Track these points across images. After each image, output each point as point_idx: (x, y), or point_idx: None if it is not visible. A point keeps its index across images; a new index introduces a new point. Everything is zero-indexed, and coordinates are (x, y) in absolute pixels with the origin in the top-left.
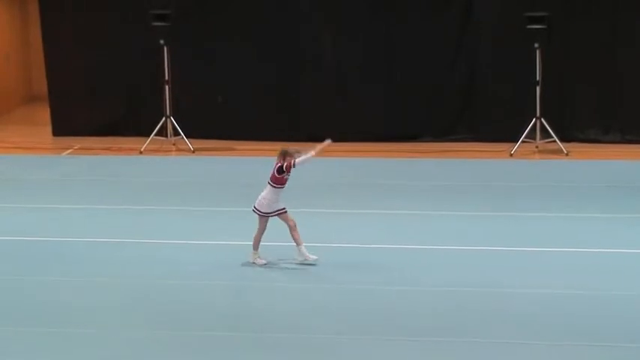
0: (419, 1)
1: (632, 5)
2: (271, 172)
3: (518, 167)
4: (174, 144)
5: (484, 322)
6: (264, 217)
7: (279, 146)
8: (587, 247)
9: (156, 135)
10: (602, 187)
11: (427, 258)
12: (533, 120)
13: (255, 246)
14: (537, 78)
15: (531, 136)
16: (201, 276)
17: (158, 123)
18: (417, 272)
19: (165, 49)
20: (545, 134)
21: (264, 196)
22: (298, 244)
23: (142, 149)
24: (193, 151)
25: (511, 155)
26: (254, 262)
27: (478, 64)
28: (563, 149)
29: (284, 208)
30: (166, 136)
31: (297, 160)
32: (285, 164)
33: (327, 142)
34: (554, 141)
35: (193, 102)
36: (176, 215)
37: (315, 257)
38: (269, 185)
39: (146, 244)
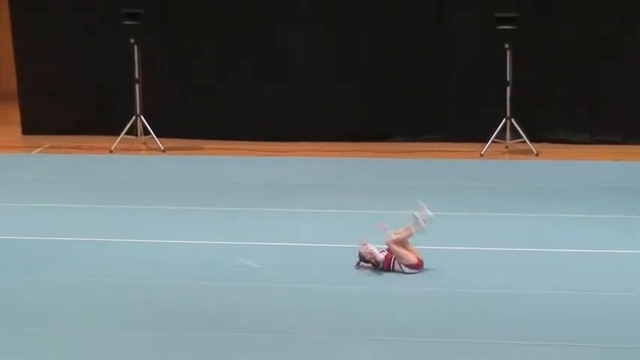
0: (391, 2)
1: (602, 6)
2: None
3: (489, 167)
4: (144, 143)
5: (464, 323)
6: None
7: (250, 146)
8: (559, 247)
9: (126, 134)
10: (572, 187)
11: None
12: (504, 120)
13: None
14: (507, 78)
15: (501, 136)
16: (184, 276)
17: (128, 122)
18: (401, 274)
19: (135, 47)
20: (515, 134)
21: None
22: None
23: (112, 148)
24: (164, 150)
25: (481, 155)
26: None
27: (449, 65)
28: (533, 149)
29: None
30: (136, 135)
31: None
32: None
33: None
34: (524, 141)
35: (164, 101)
36: (151, 214)
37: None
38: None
39: (123, 244)
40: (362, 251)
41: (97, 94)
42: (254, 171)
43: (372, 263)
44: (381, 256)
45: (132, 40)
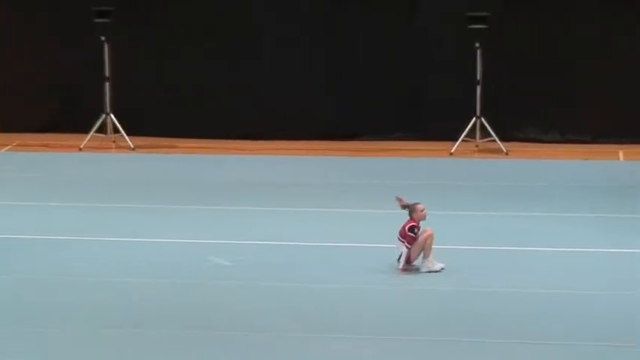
0: (364, 2)
1: (573, 7)
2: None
3: (459, 166)
4: (114, 141)
5: (448, 322)
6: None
7: (222, 144)
8: (534, 245)
9: (96, 132)
10: (542, 186)
11: (376, 257)
12: (474, 119)
13: (427, 255)
14: (478, 77)
15: (471, 135)
16: (159, 274)
17: (98, 120)
18: (374, 271)
19: (106, 45)
20: (485, 133)
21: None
22: (425, 257)
23: (81, 146)
24: (133, 149)
25: (451, 154)
26: (430, 270)
27: (419, 64)
28: (503, 148)
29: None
30: (106, 133)
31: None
32: (416, 232)
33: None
34: (494, 140)
35: (134, 99)
36: (120, 212)
37: (441, 265)
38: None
39: (95, 242)
40: (421, 209)
41: (66, 92)
42: (227, 169)
43: (414, 223)
44: (419, 231)
45: (102, 38)
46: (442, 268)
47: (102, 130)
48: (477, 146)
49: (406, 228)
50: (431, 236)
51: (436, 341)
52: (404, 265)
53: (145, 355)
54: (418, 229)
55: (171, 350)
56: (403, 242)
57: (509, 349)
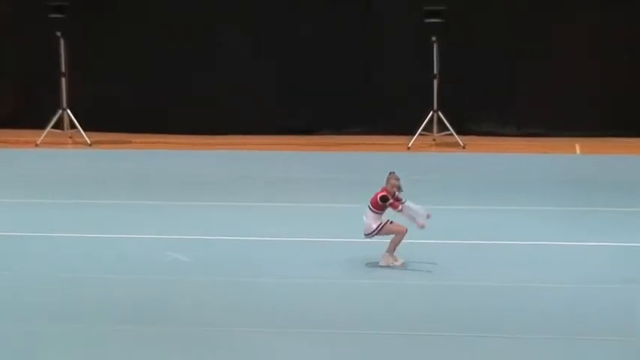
0: None
1: (529, 2)
2: (373, 196)
3: (416, 160)
4: (70, 137)
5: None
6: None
7: (178, 139)
8: (495, 239)
9: (52, 128)
10: (502, 180)
11: (334, 251)
12: (431, 113)
13: (391, 249)
14: (435, 71)
15: (428, 128)
16: (114, 270)
17: (54, 116)
18: (328, 266)
19: (61, 40)
20: (442, 127)
21: (365, 220)
22: (388, 250)
23: (38, 142)
24: (90, 144)
25: (408, 148)
26: (389, 265)
27: (376, 57)
28: (460, 142)
29: (387, 221)
30: (63, 128)
31: (404, 206)
32: (390, 201)
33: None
34: (451, 134)
35: (91, 95)
36: (77, 209)
37: (402, 261)
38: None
39: (50, 238)
40: (393, 184)
41: (22, 88)
42: (183, 165)
43: (385, 193)
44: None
45: (58, 34)
46: (403, 264)
47: (58, 125)
48: (434, 140)
49: (378, 197)
50: (403, 233)
51: (405, 335)
52: (368, 231)
53: (134, 352)
54: (389, 199)
55: (156, 347)
56: (373, 210)
57: (481, 343)
